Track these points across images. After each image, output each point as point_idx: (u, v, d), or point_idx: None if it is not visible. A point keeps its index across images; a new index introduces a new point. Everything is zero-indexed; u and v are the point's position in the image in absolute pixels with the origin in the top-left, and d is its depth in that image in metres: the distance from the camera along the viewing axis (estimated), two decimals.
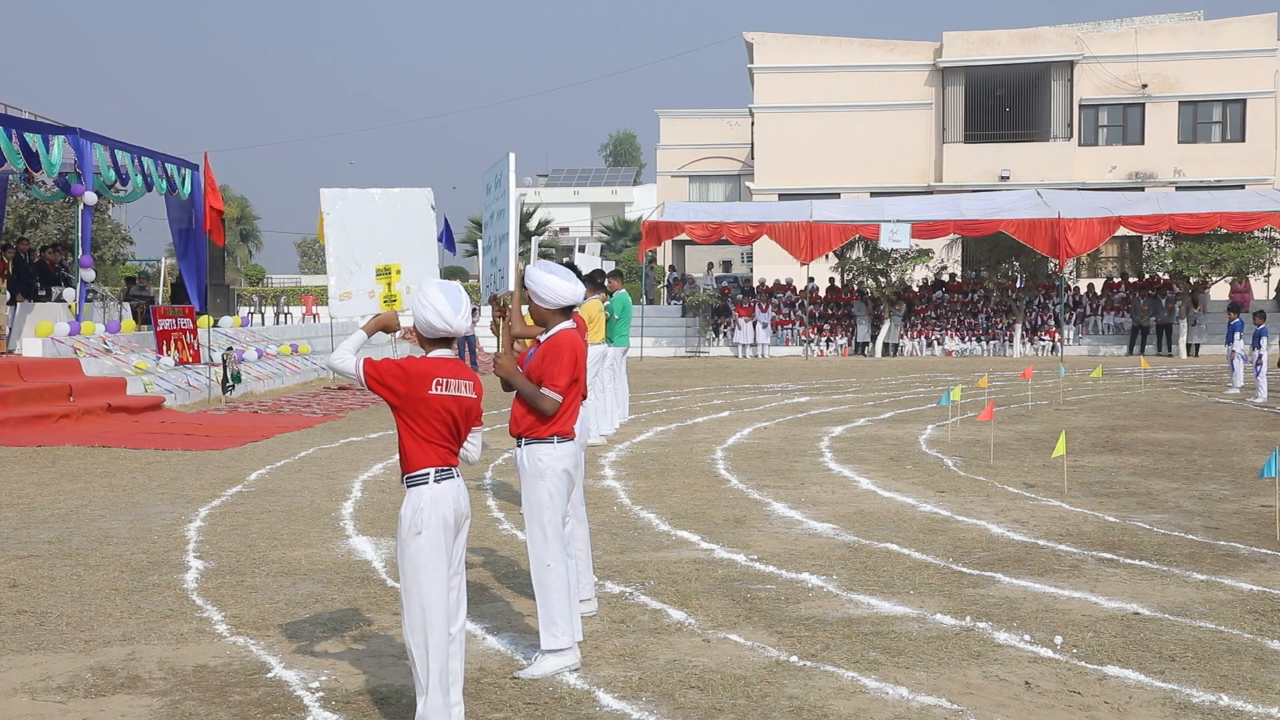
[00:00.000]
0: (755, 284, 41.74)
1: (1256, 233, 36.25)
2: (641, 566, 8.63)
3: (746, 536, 9.67)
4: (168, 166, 24.81)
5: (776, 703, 5.77)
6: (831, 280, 40.75)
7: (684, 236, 40.19)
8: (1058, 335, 37.59)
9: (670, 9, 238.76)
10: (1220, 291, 39.40)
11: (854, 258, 38.66)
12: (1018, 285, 38.34)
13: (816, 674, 6.19)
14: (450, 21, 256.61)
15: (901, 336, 38.42)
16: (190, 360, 22.43)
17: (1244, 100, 46.91)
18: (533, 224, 71.21)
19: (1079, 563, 8.69)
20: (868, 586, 8.00)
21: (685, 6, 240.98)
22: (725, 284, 43.00)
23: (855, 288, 39.28)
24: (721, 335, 39.69)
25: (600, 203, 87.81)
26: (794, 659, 6.43)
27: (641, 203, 78.37)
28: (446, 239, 29.26)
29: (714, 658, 6.48)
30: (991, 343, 38.02)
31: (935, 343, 38.32)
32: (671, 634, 6.94)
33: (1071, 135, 48.18)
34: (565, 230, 76.24)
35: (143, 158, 23.80)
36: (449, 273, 58.31)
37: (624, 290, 16.54)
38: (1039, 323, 38.49)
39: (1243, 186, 42.23)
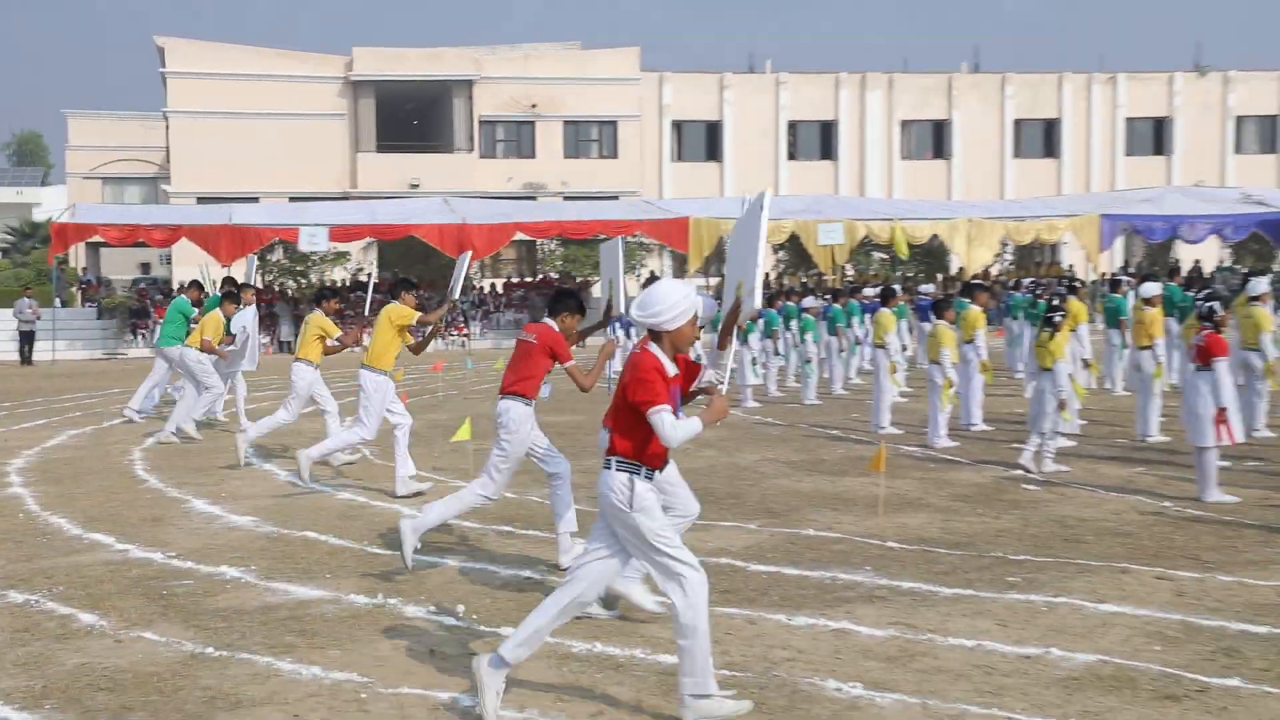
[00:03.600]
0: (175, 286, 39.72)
1: (629, 237, 39.21)
2: (49, 573, 7.97)
3: (164, 534, 9.20)
4: None
5: (190, 694, 5.54)
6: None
7: (98, 239, 37.52)
8: (466, 331, 38.71)
9: (76, 8, 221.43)
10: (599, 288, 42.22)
11: (275, 260, 37.83)
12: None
13: (232, 663, 6.00)
14: None
15: None
16: None
17: (615, 122, 50.46)
18: None
19: (482, 536, 9.00)
20: (286, 574, 7.85)
21: (92, 7, 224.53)
22: (143, 285, 40.59)
23: (277, 289, 38.42)
24: (140, 337, 37.43)
25: (4, 204, 79.89)
26: (210, 650, 6.20)
27: (51, 204, 72.13)
28: None
29: (126, 657, 6.11)
30: None
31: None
32: (81, 638, 6.47)
33: (473, 148, 49.71)
34: None
35: None
36: None
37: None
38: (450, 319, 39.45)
39: (617, 197, 45.45)
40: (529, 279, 42.68)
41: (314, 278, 37.60)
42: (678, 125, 53.42)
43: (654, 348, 5.24)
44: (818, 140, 54.29)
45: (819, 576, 7.59)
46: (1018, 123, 54.41)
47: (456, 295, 13.08)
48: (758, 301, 6.49)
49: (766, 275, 43.35)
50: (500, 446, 8.18)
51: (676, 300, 5.21)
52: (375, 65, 48.59)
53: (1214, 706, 5.24)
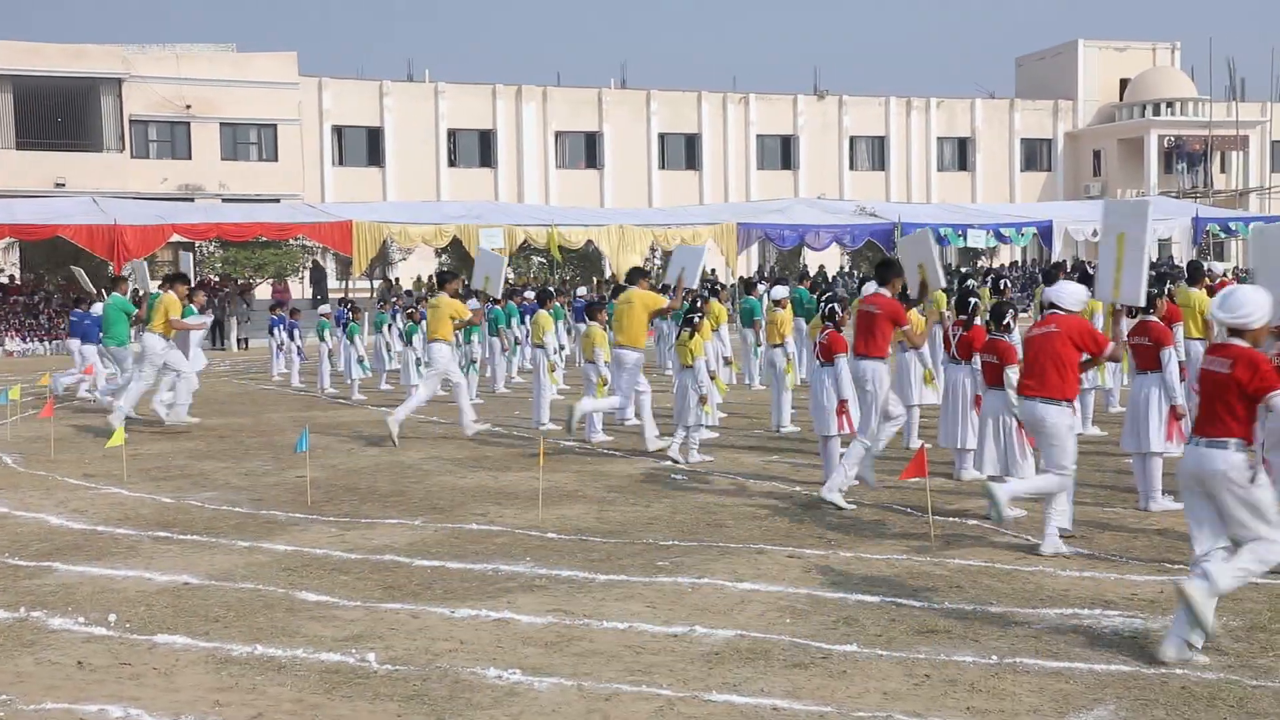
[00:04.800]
0: None
1: (291, 241, 38.02)
2: None
3: None
4: None
5: None
6: None
7: None
8: None
9: None
10: (264, 291, 40.65)
11: None
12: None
13: None
14: None
15: None
16: None
17: (275, 125, 48.74)
18: None
19: (136, 543, 8.48)
20: None
21: None
22: None
23: None
24: None
25: None
26: None
27: None
28: None
29: None
30: (54, 342, 35.78)
31: None
32: None
33: (124, 148, 46.75)
34: None
35: None
36: None
37: None
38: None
39: (278, 200, 43.88)
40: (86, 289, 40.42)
41: None
42: (338, 130, 52.19)
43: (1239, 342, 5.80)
44: (477, 148, 54.33)
45: (481, 569, 7.59)
46: (662, 136, 56.29)
47: (695, 284, 14.83)
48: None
49: (430, 278, 43.08)
50: (867, 402, 9.53)
51: (1260, 302, 5.79)
52: (10, 60, 44.83)
53: (835, 671, 5.59)
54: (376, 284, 43.45)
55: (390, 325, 21.48)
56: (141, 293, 18.46)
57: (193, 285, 18.28)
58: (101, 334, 17.10)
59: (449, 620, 6.47)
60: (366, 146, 52.84)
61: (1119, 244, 8.21)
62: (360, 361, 19.41)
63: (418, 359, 18.38)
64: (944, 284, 10.46)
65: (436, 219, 36.66)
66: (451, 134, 53.56)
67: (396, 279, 44.29)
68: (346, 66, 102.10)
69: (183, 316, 15.00)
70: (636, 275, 13.51)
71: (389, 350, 20.98)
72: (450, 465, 11.97)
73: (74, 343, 20.93)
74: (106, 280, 24.07)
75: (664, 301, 13.54)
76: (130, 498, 10.36)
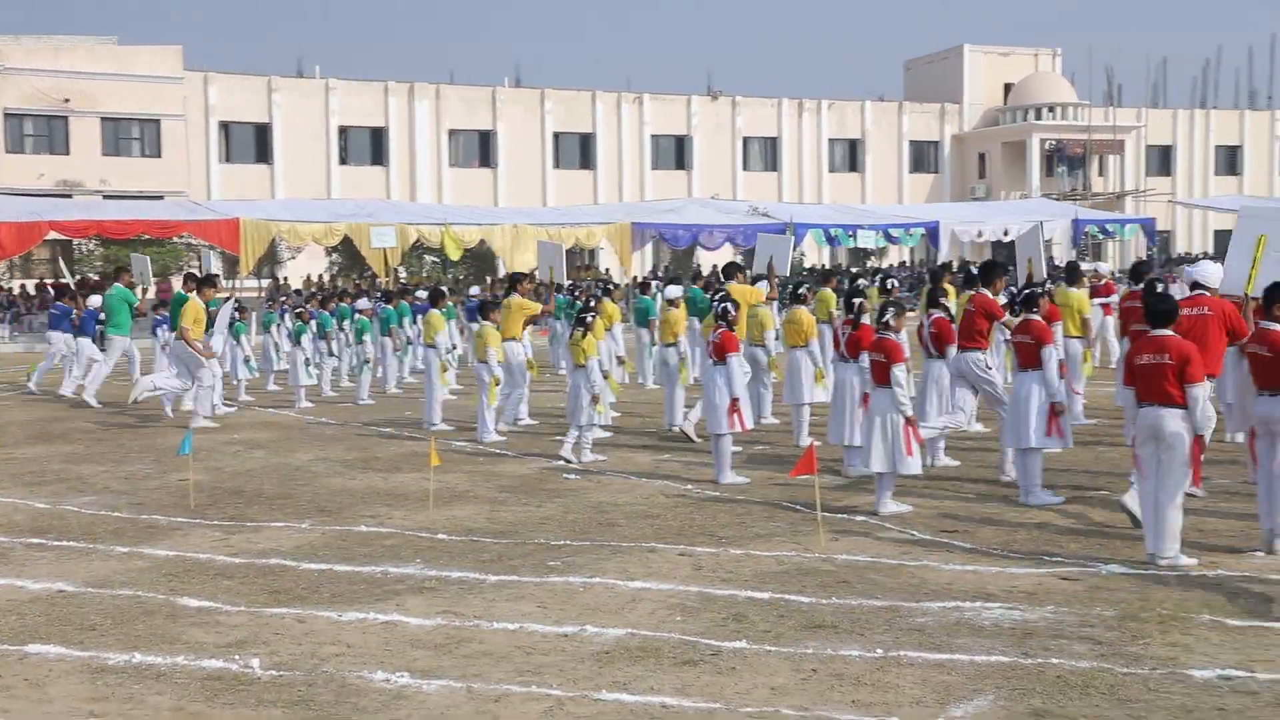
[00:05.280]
0: None
1: (175, 239, 37.12)
2: None
3: None
4: None
5: None
6: None
7: None
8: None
9: None
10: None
11: None
12: None
13: None
14: None
15: None
16: None
17: (159, 120, 47.57)
18: None
19: (7, 550, 8.21)
20: None
21: None
22: None
23: None
24: None
25: None
26: None
27: None
28: None
29: None
30: None
31: None
32: None
33: None
34: None
35: None
36: None
37: None
38: None
39: (162, 197, 42.80)
40: (64, 280, 39.37)
41: None
42: (225, 126, 51.12)
43: None
44: (369, 146, 53.64)
45: (370, 571, 7.50)
46: (557, 135, 56.18)
47: (787, 271, 16.49)
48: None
49: (321, 277, 42.42)
50: (985, 388, 10.40)
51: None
52: None
53: (725, 667, 5.63)
54: (264, 283, 42.69)
55: (279, 325, 21.09)
56: (141, 286, 19.45)
57: (74, 285, 18.63)
58: (101, 323, 18.33)
59: (336, 624, 6.38)
60: (255, 143, 51.83)
61: (1258, 244, 9.61)
62: (247, 362, 19.04)
63: (306, 359, 18.09)
64: (1045, 276, 12.49)
65: (327, 217, 36.08)
66: (343, 131, 52.81)
67: (285, 278, 43.57)
68: (234, 61, 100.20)
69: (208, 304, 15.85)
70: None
71: (277, 350, 20.62)
72: (339, 467, 11.80)
73: (55, 335, 20.90)
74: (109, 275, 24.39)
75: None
76: (2, 503, 10.02)
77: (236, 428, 15.09)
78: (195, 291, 15.79)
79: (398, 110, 53.47)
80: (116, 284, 18.24)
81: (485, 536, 8.49)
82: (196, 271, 19.88)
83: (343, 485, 10.72)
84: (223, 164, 50.93)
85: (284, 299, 27.75)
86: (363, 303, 20.46)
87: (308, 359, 18.22)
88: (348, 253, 37.59)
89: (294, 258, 42.94)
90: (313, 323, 18.78)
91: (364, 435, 14.24)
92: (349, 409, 17.17)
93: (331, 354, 19.40)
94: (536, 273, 20.25)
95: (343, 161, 52.78)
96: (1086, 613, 6.32)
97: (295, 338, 18.44)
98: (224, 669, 5.65)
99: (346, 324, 19.72)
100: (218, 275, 18.42)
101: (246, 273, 35.70)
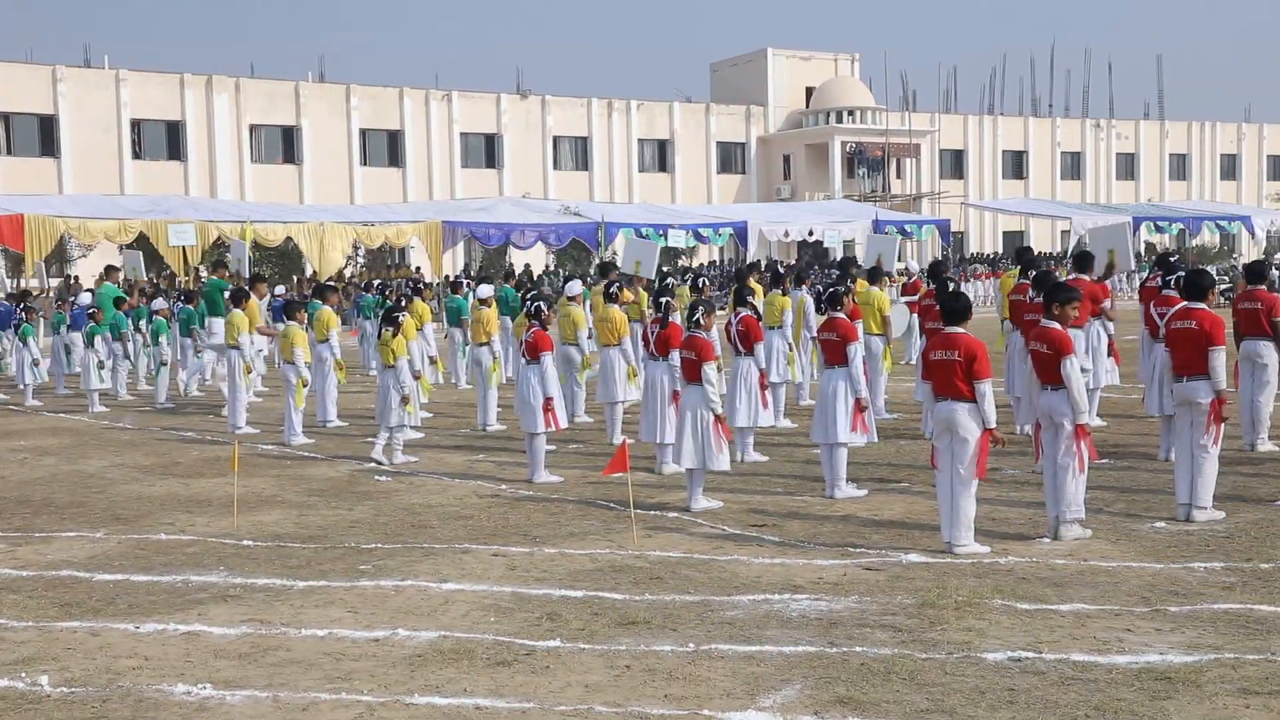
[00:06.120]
0: None
1: None
2: None
3: None
4: None
5: None
6: None
7: None
8: None
9: None
10: None
11: None
12: None
13: None
14: None
15: None
16: None
17: None
18: None
19: None
20: None
21: None
22: None
23: None
24: None
25: None
26: None
27: None
28: None
29: None
30: None
31: None
32: None
33: None
34: None
35: None
36: None
37: None
38: None
39: None
40: None
41: None
42: (6, 117, 48.45)
43: None
44: (164, 140, 51.57)
45: (170, 581, 7.23)
46: (364, 132, 55.12)
47: (652, 274, 16.22)
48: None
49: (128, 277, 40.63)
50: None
51: None
52: None
53: (539, 666, 5.64)
54: (54, 283, 40.62)
55: (69, 326, 20.15)
56: (133, 281, 19.64)
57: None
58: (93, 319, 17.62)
59: (133, 636, 6.13)
60: (39, 135, 49.20)
61: (1111, 257, 12.40)
62: (34, 365, 18.11)
63: (100, 361, 17.31)
64: (1133, 266, 14.87)
65: (119, 213, 34.57)
66: (135, 124, 50.63)
67: (76, 277, 41.55)
68: (14, 49, 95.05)
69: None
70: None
71: (68, 352, 19.67)
72: (136, 473, 11.34)
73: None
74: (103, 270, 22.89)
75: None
76: None
77: (24, 434, 14.33)
78: (250, 289, 16.08)
79: (195, 103, 51.57)
80: (107, 283, 18.56)
81: (293, 541, 8.28)
82: (255, 278, 19.52)
83: (140, 492, 10.31)
84: (5, 157, 48.27)
85: (74, 299, 26.46)
86: (158, 303, 19.71)
87: (100, 361, 17.44)
88: (146, 250, 36.03)
89: (85, 255, 41.00)
90: (107, 324, 18.00)
91: (163, 440, 13.72)
92: (147, 413, 16.51)
93: (127, 356, 18.65)
94: (619, 266, 18.50)
95: (136, 155, 50.60)
96: (888, 601, 6.55)
97: (88, 339, 17.63)
98: (9, 688, 5.37)
99: (144, 324, 18.97)
100: (262, 275, 18.27)
101: (31, 272, 33.92)
